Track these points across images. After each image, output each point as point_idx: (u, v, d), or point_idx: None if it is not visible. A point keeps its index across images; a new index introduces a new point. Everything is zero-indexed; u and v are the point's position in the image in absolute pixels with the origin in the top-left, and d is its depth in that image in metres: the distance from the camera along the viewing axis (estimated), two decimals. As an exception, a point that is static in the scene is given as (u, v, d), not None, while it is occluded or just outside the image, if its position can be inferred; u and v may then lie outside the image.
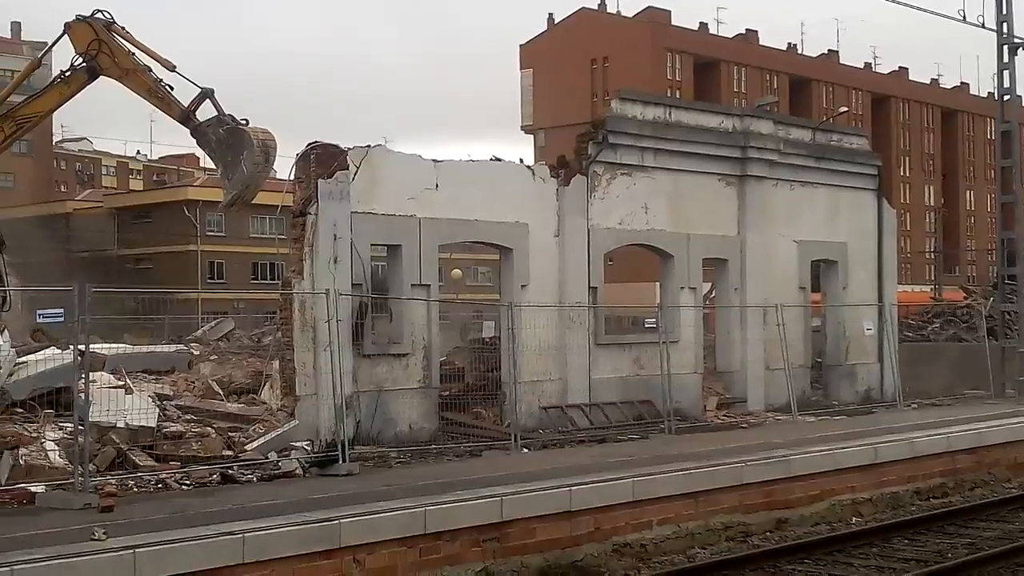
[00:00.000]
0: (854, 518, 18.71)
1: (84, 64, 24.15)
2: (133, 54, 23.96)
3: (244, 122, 22.63)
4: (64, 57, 24.74)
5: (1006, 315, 32.37)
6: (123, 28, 24.34)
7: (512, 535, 14.84)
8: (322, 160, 21.04)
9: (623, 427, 23.97)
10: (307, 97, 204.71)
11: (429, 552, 13.99)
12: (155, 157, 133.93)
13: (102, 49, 23.95)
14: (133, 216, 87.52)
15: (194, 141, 24.27)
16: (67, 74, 24.56)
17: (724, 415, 26.76)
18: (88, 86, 24.70)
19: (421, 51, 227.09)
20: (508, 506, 14.87)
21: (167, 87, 23.89)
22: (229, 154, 22.52)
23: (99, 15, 23.96)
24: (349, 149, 21.40)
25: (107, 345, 23.02)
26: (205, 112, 23.73)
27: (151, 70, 24.11)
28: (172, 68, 23.96)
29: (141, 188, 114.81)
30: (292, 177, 21.67)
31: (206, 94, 23.64)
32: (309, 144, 21.46)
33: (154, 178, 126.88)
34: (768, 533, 17.43)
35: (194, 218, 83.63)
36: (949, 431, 22.49)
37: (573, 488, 15.75)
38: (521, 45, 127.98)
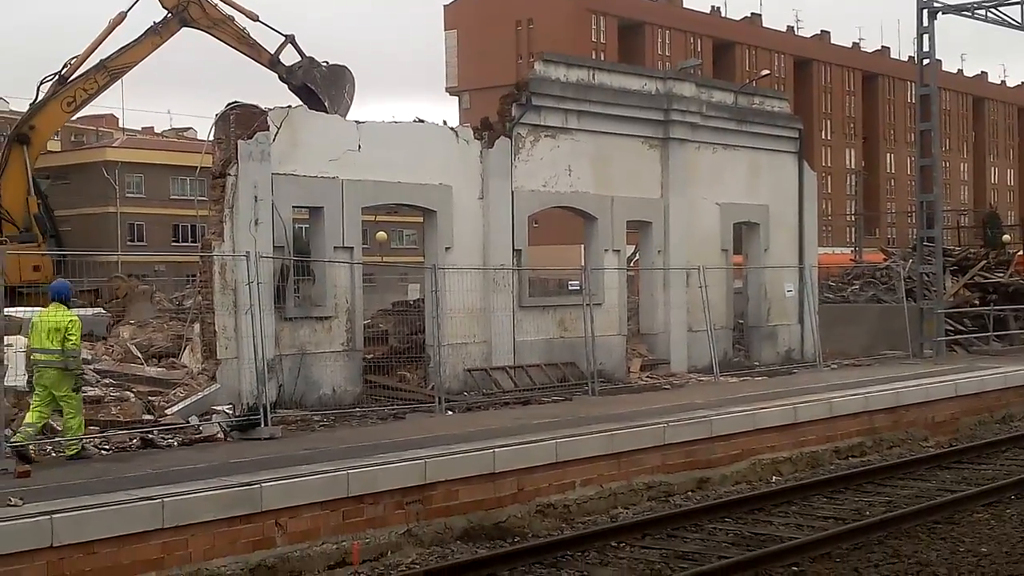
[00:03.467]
0: (774, 477, 18.96)
1: (175, 16, 25.48)
2: (216, 5, 25.34)
3: (326, 63, 24.11)
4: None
5: (924, 277, 32.84)
6: None
7: (435, 497, 14.84)
8: (242, 121, 20.79)
9: (547, 389, 24.04)
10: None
11: (352, 515, 13.96)
12: (73, 117, 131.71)
13: (191, 1, 25.27)
14: (51, 177, 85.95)
15: (284, 85, 26.50)
16: (159, 25, 25.62)
17: (647, 376, 26.92)
18: (175, 36, 26.08)
19: (356, 6, 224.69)
20: (432, 468, 14.86)
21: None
22: (333, 88, 24.32)
23: None
24: (269, 110, 21.18)
25: (24, 308, 22.65)
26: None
27: (234, 20, 25.45)
28: (255, 18, 26.00)
29: (59, 149, 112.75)
30: (211, 138, 21.41)
31: (288, 40, 25.01)
32: (228, 104, 21.25)
33: (72, 139, 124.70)
34: (690, 492, 17.62)
35: (113, 180, 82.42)
36: (867, 391, 22.80)
37: (497, 450, 15.78)
38: (445, 5, 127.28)
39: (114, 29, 27.32)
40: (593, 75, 26.85)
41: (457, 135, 24.37)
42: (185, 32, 27.84)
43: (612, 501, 16.64)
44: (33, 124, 28.50)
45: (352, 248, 22.29)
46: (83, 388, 16.39)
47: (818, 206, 34.55)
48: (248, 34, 26.30)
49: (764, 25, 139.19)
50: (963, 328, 34.42)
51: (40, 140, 29.04)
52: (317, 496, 13.68)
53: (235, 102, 21.27)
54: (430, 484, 14.80)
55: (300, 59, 25.93)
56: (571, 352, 25.09)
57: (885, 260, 44.16)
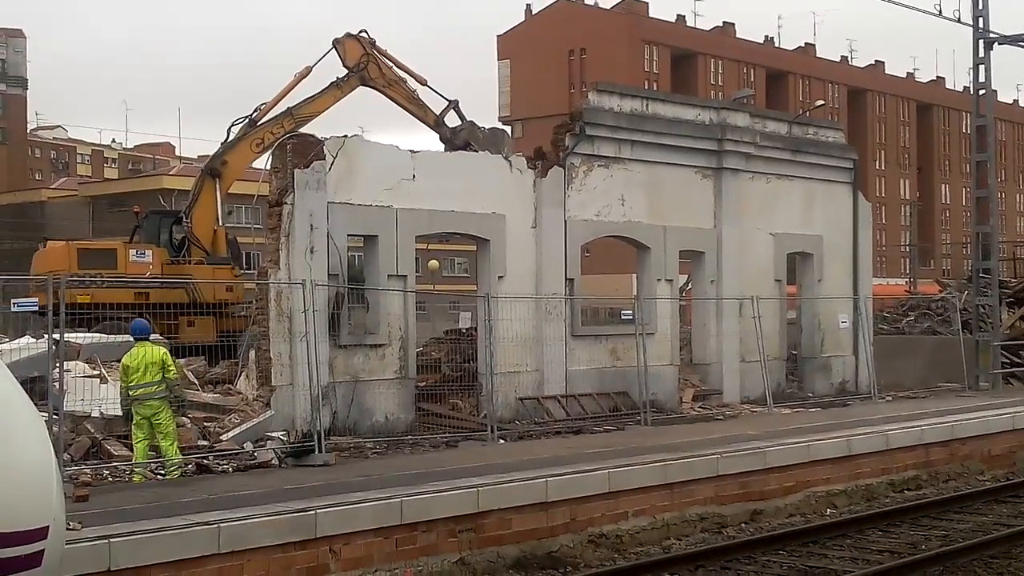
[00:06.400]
0: (828, 510, 18.79)
1: (355, 74, 28.24)
2: (391, 67, 27.44)
3: (485, 129, 27.16)
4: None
5: (980, 308, 32.53)
6: (383, 49, 28.75)
7: (488, 526, 14.83)
8: (299, 149, 21.01)
9: (599, 418, 24.02)
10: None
11: (405, 543, 13.97)
12: (130, 145, 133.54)
13: (370, 62, 28.24)
14: (108, 204, 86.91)
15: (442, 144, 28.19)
16: (341, 80, 28.59)
17: (700, 407, 26.82)
18: (354, 91, 28.84)
19: (414, 38, 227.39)
20: (484, 497, 14.86)
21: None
22: (492, 148, 25.58)
23: (363, 34, 28.38)
24: (326, 139, 21.39)
25: (82, 334, 22.92)
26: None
27: (406, 82, 28.50)
28: (424, 82, 28.93)
29: (116, 176, 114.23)
30: (268, 166, 21.65)
31: (452, 105, 28.23)
32: (286, 133, 21.48)
33: (129, 166, 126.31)
34: (743, 524, 17.49)
35: (170, 207, 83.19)
36: (923, 424, 22.58)
37: (549, 479, 15.76)
38: (498, 35, 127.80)
39: (300, 81, 29.88)
40: (647, 105, 26.90)
41: (511, 164, 24.47)
42: (238, 66, 29.84)
43: (665, 532, 16.55)
44: (226, 160, 30.91)
45: (406, 276, 22.43)
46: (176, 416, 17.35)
47: (872, 237, 34.29)
48: (418, 95, 28.93)
49: (818, 55, 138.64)
50: (1019, 360, 34.01)
51: (230, 175, 31.27)
52: (371, 523, 13.71)
53: (293, 131, 21.53)
54: (483, 512, 14.79)
55: (461, 122, 28.22)
56: (623, 381, 25.05)
57: (940, 291, 43.77)
